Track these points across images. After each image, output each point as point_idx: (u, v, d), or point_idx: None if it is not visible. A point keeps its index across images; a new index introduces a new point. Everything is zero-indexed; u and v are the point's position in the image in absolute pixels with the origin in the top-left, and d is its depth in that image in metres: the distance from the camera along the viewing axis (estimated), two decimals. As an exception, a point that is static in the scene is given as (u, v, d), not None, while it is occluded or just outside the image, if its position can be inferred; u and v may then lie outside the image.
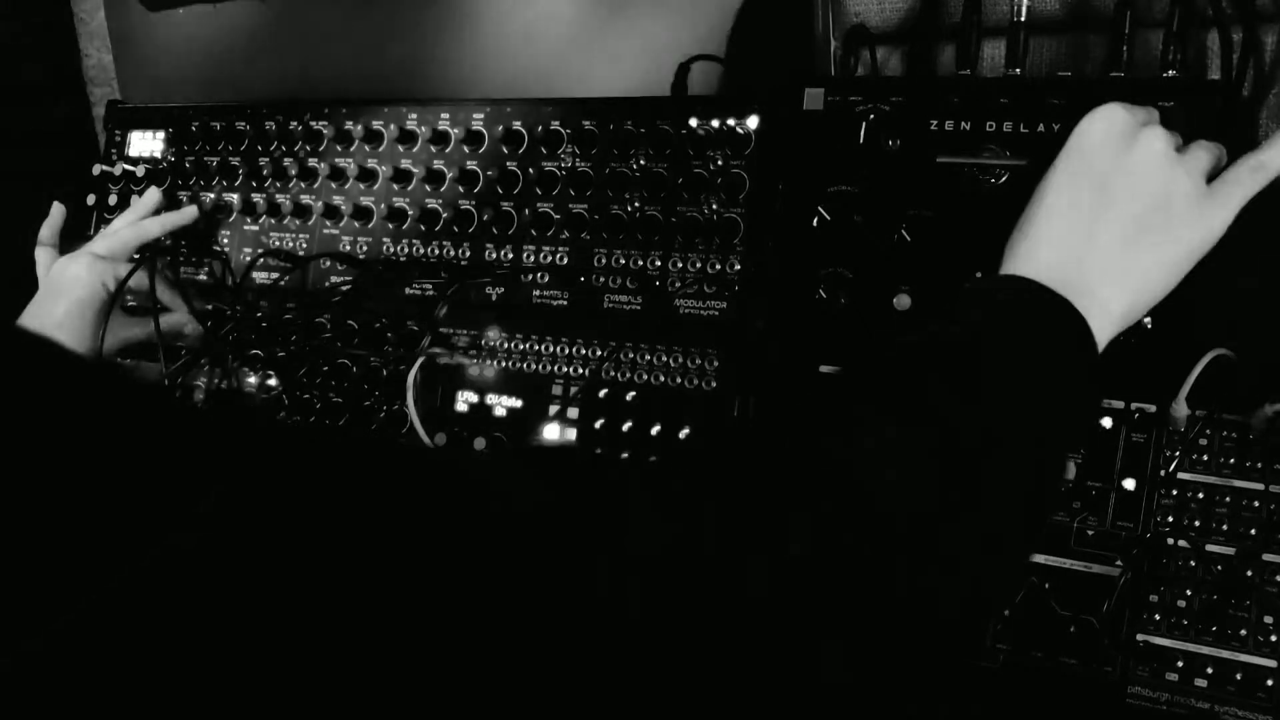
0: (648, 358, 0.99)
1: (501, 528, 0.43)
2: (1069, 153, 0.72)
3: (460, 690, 0.39)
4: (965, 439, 0.57)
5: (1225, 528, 0.78)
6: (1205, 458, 0.80)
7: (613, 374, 1.00)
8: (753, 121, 0.99)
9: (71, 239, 1.21)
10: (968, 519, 0.55)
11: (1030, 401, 0.60)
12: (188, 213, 1.19)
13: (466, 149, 1.10)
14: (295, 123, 1.19)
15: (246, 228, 1.20)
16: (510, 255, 1.07)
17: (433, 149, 1.12)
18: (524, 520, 0.44)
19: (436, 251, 1.10)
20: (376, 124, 1.15)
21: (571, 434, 1.00)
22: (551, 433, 1.01)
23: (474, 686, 0.39)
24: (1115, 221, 0.68)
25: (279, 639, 0.36)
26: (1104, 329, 0.66)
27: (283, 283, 1.15)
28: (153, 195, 1.20)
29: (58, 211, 1.20)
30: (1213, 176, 0.71)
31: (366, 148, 1.15)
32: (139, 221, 1.17)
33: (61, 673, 0.31)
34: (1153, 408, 0.83)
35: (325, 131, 1.17)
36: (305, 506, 0.39)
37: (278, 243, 1.18)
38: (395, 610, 0.38)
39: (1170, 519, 0.80)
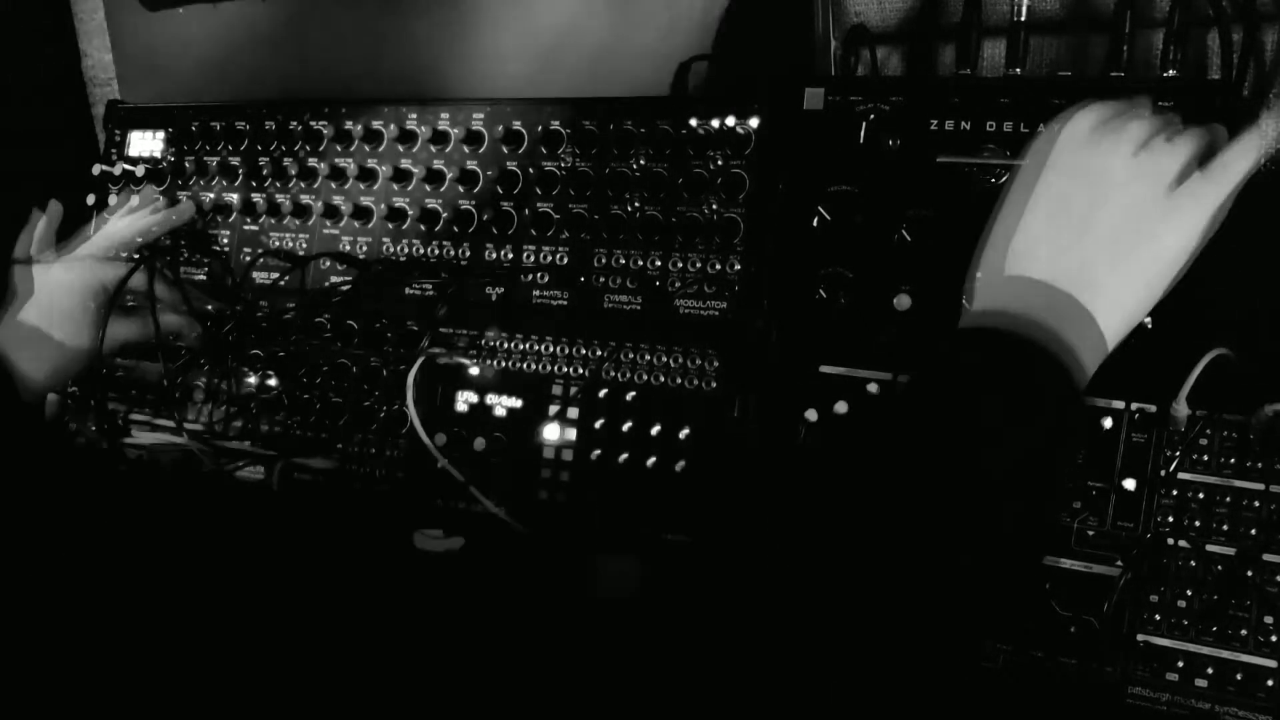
0: (648, 358, 0.99)
1: None
2: (1050, 153, 0.72)
3: None
4: (963, 485, 0.59)
5: (1225, 528, 0.78)
6: (1205, 458, 0.80)
7: (613, 374, 1.00)
8: (753, 121, 0.99)
9: (70, 239, 1.21)
10: (949, 556, 0.57)
11: (1018, 449, 0.62)
12: (184, 209, 1.18)
13: (466, 149, 1.10)
14: (295, 123, 1.19)
15: (246, 228, 1.20)
16: (510, 255, 1.07)
17: (433, 149, 1.12)
18: None
19: (436, 251, 1.10)
20: (376, 124, 1.15)
21: (571, 434, 1.00)
22: (552, 433, 1.01)
23: None
24: (1101, 224, 0.68)
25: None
26: (1114, 325, 0.67)
27: (283, 283, 1.15)
28: (148, 193, 1.19)
29: (55, 211, 1.19)
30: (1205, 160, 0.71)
31: (366, 147, 1.15)
32: (135, 218, 1.16)
33: None
34: (1153, 408, 0.83)
35: (325, 131, 1.17)
36: None
37: (278, 242, 1.18)
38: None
39: (1170, 519, 0.80)
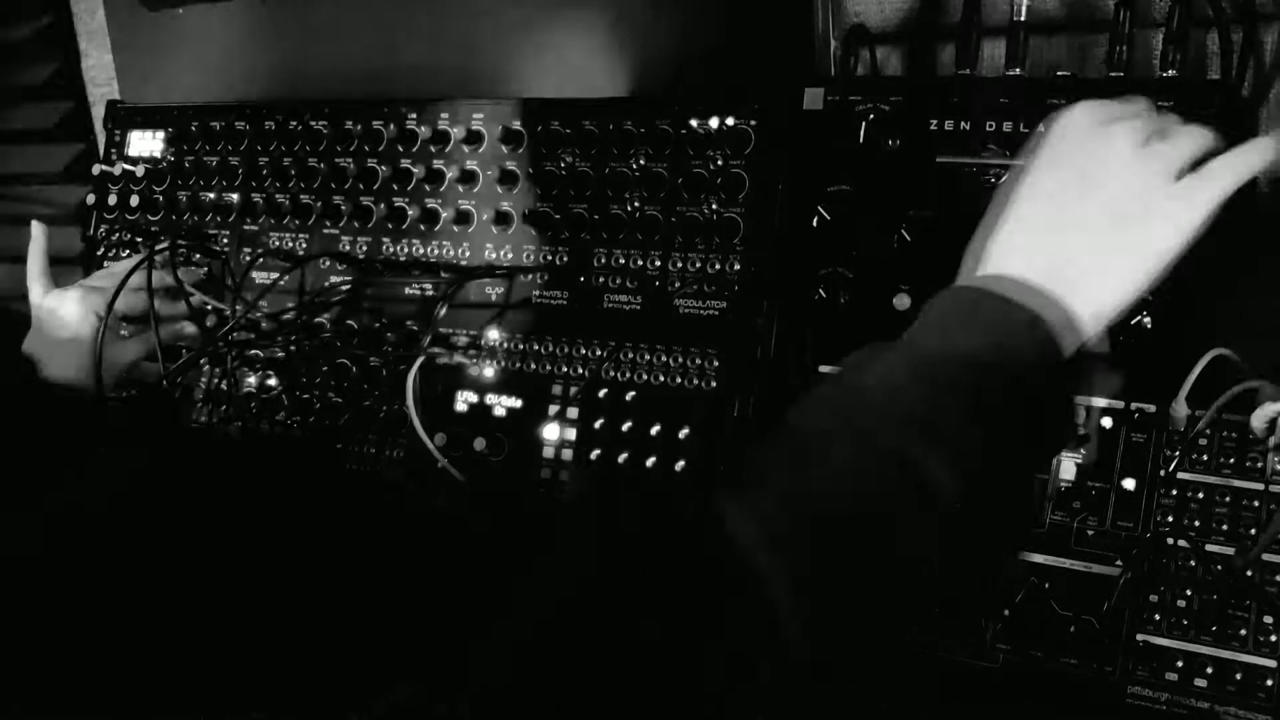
0: (648, 358, 0.99)
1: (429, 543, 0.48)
2: (1044, 149, 0.71)
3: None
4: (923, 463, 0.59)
5: (1225, 528, 0.78)
6: (1205, 458, 0.80)
7: (613, 374, 1.00)
8: (753, 121, 0.99)
9: (69, 249, 1.20)
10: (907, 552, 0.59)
11: (992, 417, 0.62)
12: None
13: (466, 149, 1.10)
14: (295, 123, 1.19)
15: (246, 228, 1.20)
16: (510, 255, 1.07)
17: (432, 149, 1.12)
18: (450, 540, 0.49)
19: (436, 251, 1.10)
20: (376, 124, 1.15)
21: (571, 434, 1.00)
22: (551, 433, 1.01)
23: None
24: (1088, 217, 0.67)
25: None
26: (1084, 323, 0.66)
27: (283, 283, 1.15)
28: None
29: (39, 235, 1.16)
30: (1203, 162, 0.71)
31: (366, 148, 1.15)
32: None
33: None
34: (1153, 408, 0.83)
35: (325, 131, 1.17)
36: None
37: (278, 243, 1.18)
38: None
39: (1170, 519, 0.80)
